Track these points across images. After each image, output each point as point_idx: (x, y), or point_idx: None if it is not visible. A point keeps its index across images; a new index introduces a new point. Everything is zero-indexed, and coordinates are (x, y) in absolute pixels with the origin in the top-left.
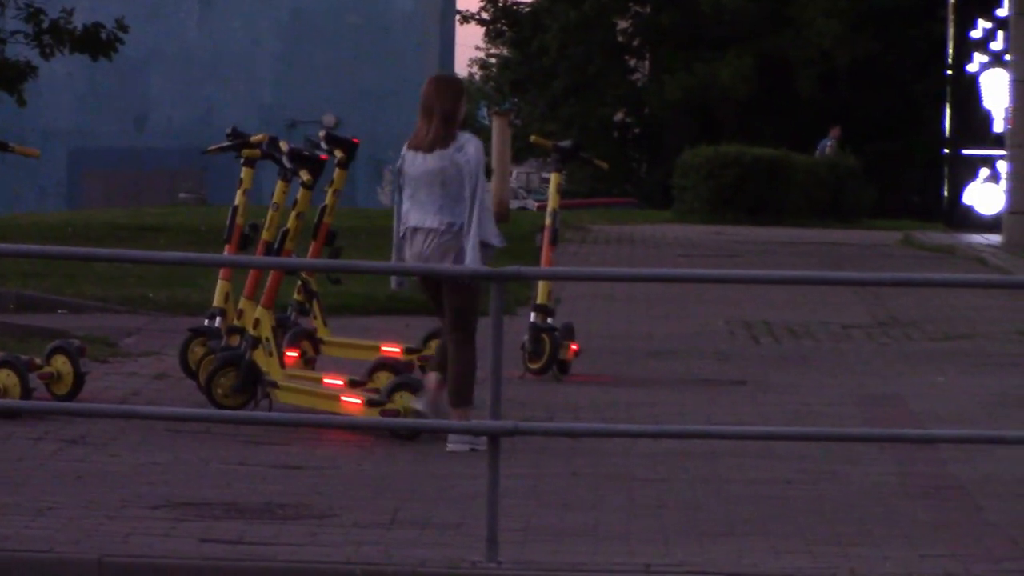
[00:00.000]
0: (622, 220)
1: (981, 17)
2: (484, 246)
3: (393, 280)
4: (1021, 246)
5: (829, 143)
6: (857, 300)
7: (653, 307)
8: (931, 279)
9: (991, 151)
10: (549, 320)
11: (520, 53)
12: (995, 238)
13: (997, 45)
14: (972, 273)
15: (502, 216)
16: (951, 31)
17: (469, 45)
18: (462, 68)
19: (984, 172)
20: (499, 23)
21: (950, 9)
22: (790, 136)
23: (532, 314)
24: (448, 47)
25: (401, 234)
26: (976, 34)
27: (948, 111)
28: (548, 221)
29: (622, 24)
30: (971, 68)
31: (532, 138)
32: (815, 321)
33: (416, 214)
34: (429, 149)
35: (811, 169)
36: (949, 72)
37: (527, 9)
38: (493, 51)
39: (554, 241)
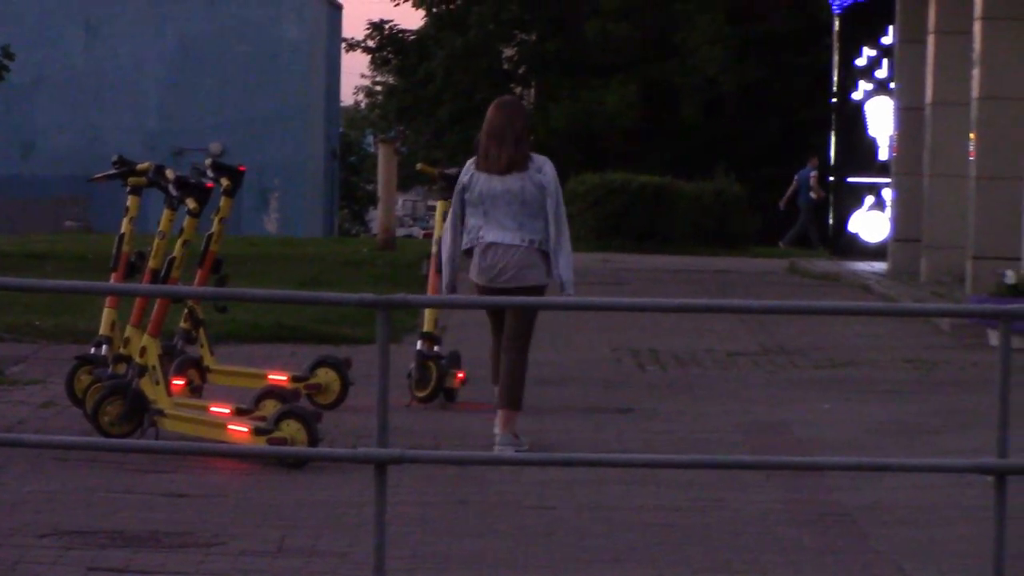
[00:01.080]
0: None
1: (866, 45)
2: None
3: (444, 286)
4: (906, 274)
5: (813, 173)
6: (743, 328)
7: (539, 335)
8: (816, 307)
9: (876, 179)
10: (436, 348)
11: (406, 81)
12: (880, 266)
13: (882, 73)
14: (857, 301)
15: (388, 244)
16: (836, 59)
17: (355, 73)
18: (348, 96)
19: (869, 200)
20: (385, 51)
21: (835, 37)
22: (676, 163)
23: (418, 342)
24: (334, 75)
25: (468, 246)
26: (861, 62)
27: (833, 139)
28: (434, 249)
29: (508, 52)
30: (856, 96)
31: (418, 166)
32: (701, 349)
33: (494, 231)
34: (506, 171)
35: (697, 196)
36: (834, 100)
37: (412, 37)
38: (379, 79)
39: (440, 269)
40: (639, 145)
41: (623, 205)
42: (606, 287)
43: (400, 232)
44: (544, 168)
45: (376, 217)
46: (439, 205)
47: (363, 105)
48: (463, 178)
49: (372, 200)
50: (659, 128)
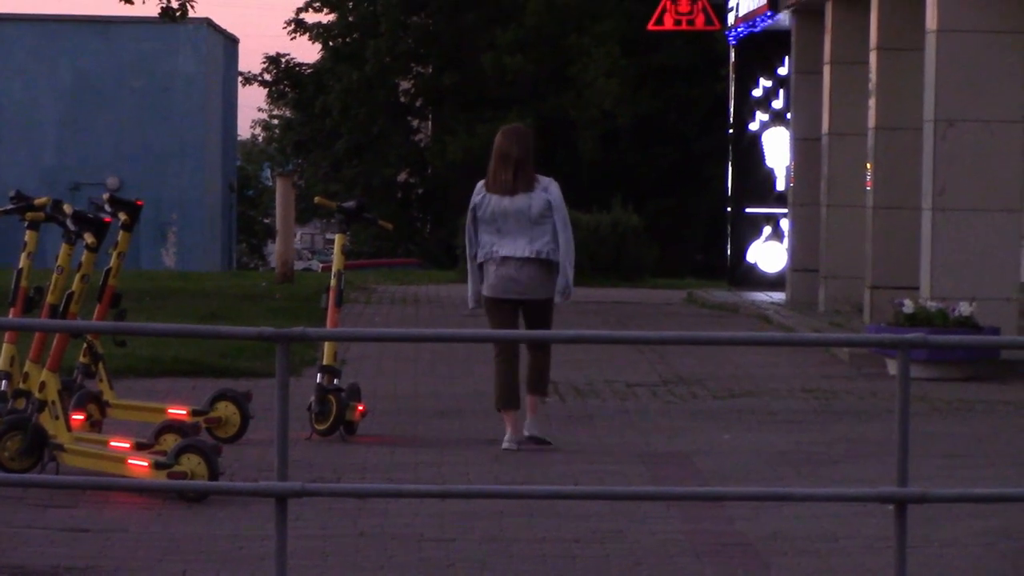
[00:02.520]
0: (407, 280)
1: (763, 76)
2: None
3: (471, 302)
4: (804, 303)
5: None
6: (642, 359)
7: (439, 367)
8: (715, 337)
9: (774, 209)
10: (335, 381)
11: (303, 114)
12: (779, 296)
13: (779, 103)
14: (756, 331)
15: (287, 277)
16: (733, 89)
17: (252, 106)
18: (245, 130)
19: (767, 230)
20: (281, 84)
21: (732, 68)
22: (573, 196)
23: (318, 375)
24: (231, 108)
25: (482, 260)
26: (758, 93)
27: (730, 169)
28: (333, 282)
29: (404, 85)
30: (753, 126)
31: (316, 199)
32: (600, 380)
33: (508, 245)
34: (513, 192)
35: (594, 228)
36: (731, 131)
37: (309, 70)
38: (276, 112)
39: (339, 302)
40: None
41: None
42: None
43: (298, 265)
44: (550, 188)
45: (274, 251)
46: (337, 238)
47: (260, 139)
48: (475, 199)
49: (270, 234)
50: (555, 161)
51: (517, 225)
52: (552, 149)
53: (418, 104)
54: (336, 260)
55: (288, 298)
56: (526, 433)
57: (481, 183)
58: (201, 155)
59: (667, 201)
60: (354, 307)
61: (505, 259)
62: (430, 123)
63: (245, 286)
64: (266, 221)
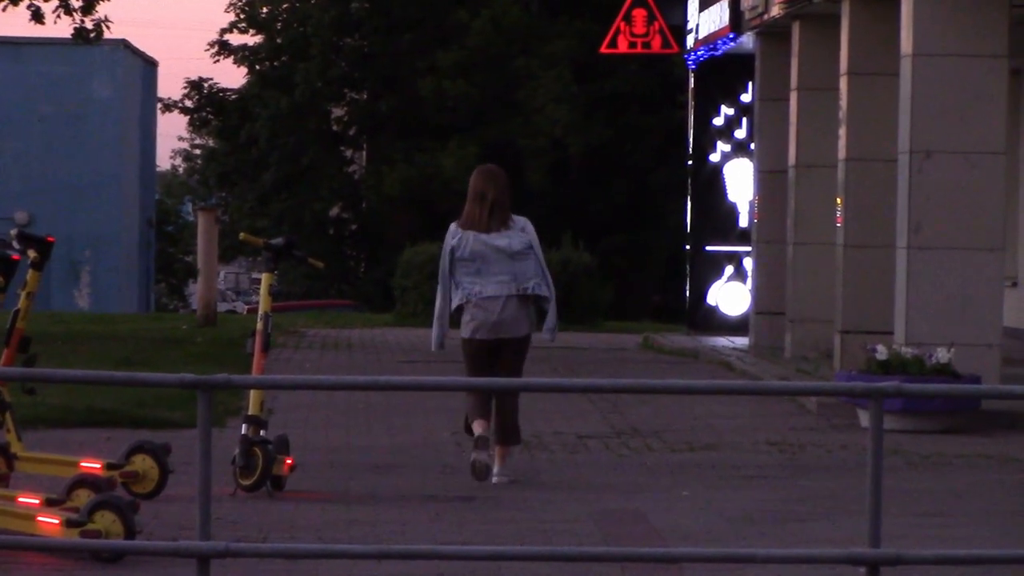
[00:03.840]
0: (340, 324)
1: (724, 103)
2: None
3: (434, 344)
4: (769, 349)
5: None
6: (593, 409)
7: (374, 418)
8: (673, 385)
9: (736, 247)
10: (262, 432)
11: (227, 144)
12: (742, 341)
13: (741, 133)
14: (717, 378)
15: (209, 320)
16: (692, 118)
17: (172, 135)
18: (164, 160)
19: (729, 270)
20: (204, 111)
21: (691, 94)
22: None
23: (243, 426)
24: (149, 137)
25: (460, 302)
26: (719, 121)
27: (690, 204)
28: (259, 325)
29: (337, 112)
30: (714, 158)
31: (241, 235)
32: (548, 432)
33: (489, 285)
34: (489, 230)
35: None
36: (690, 162)
37: (234, 96)
38: (198, 141)
39: (266, 347)
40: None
41: None
42: (444, 364)
43: (222, 307)
44: (526, 227)
45: (196, 291)
46: (264, 278)
47: (181, 170)
48: (451, 241)
49: (191, 273)
50: None
51: (497, 264)
52: None
53: (352, 132)
54: (263, 301)
55: (211, 343)
56: (494, 480)
57: (454, 225)
58: (117, 188)
59: (621, 238)
60: (282, 352)
61: (489, 299)
62: (365, 153)
63: (164, 329)
64: (187, 259)
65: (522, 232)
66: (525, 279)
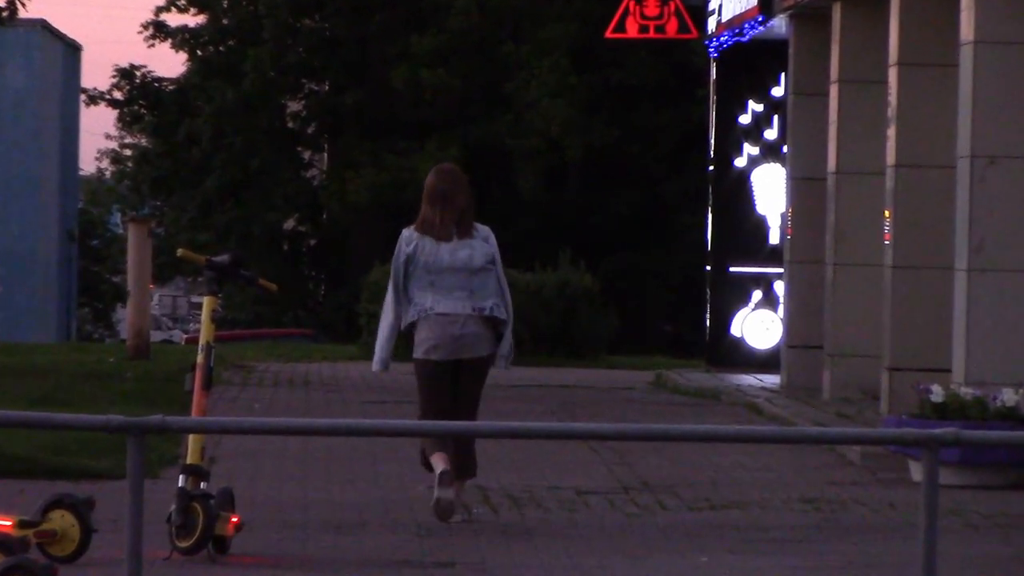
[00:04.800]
0: (296, 357)
1: (752, 98)
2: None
3: (376, 363)
4: (804, 389)
5: None
6: (596, 459)
7: (334, 468)
8: (690, 431)
9: (765, 268)
10: (202, 485)
11: (163, 143)
12: (771, 379)
13: (772, 133)
14: (742, 424)
15: (141, 352)
16: (713, 115)
17: (99, 133)
18: (89, 162)
19: (757, 295)
20: (136, 104)
21: (712, 87)
22: (510, 247)
23: (181, 477)
24: (71, 134)
25: (414, 319)
26: (745, 119)
27: (710, 217)
28: (200, 358)
29: (293, 106)
30: (739, 162)
31: (179, 252)
32: (542, 486)
33: (444, 300)
34: (449, 238)
35: (536, 290)
36: (711, 167)
37: (171, 87)
38: (129, 140)
39: (208, 384)
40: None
41: None
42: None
43: (156, 337)
44: (490, 238)
45: (126, 317)
46: (206, 302)
47: (109, 174)
48: (406, 248)
49: (120, 296)
50: (487, 203)
51: (454, 278)
52: (483, 187)
53: (311, 131)
54: (204, 330)
55: (143, 378)
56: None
57: (409, 230)
58: (34, 194)
59: (628, 257)
60: (228, 390)
61: (443, 316)
62: (326, 155)
63: (88, 362)
64: (115, 280)
65: (485, 243)
66: (483, 297)
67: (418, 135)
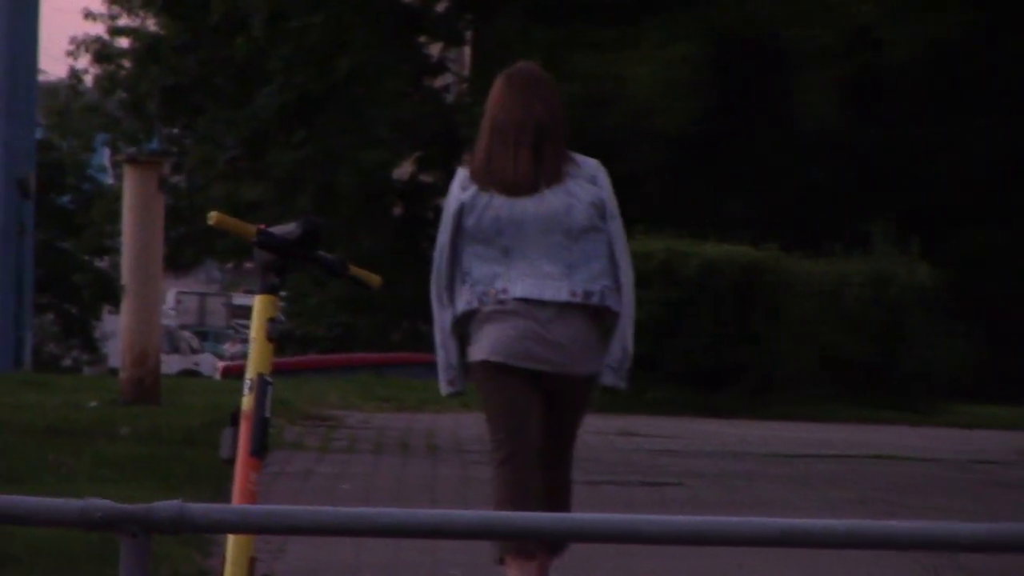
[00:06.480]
0: (413, 400)
1: None
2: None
3: (443, 382)
4: None
5: None
6: None
7: None
8: None
9: None
10: None
11: (185, 28)
12: None
13: None
14: None
15: (144, 390)
16: None
17: (72, 10)
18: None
19: None
20: None
21: None
22: (776, 216)
23: None
24: (26, 13)
25: (469, 308)
26: None
27: None
28: (248, 403)
29: None
30: None
31: (212, 216)
32: None
33: (527, 280)
34: (534, 187)
35: (835, 285)
36: None
37: None
38: (126, 23)
39: (262, 448)
40: (700, 168)
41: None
42: (629, 491)
43: (171, 364)
44: (598, 177)
45: (117, 331)
46: (258, 304)
47: (89, 81)
48: (460, 196)
49: (108, 293)
50: (741, 136)
51: (544, 243)
52: (737, 111)
53: (442, 8)
54: (256, 354)
55: (147, 438)
56: None
57: (464, 172)
58: None
59: (994, 235)
60: (296, 458)
61: (524, 304)
62: (468, 52)
63: (55, 409)
64: (99, 265)
65: (591, 186)
66: (589, 276)
67: (629, 18)
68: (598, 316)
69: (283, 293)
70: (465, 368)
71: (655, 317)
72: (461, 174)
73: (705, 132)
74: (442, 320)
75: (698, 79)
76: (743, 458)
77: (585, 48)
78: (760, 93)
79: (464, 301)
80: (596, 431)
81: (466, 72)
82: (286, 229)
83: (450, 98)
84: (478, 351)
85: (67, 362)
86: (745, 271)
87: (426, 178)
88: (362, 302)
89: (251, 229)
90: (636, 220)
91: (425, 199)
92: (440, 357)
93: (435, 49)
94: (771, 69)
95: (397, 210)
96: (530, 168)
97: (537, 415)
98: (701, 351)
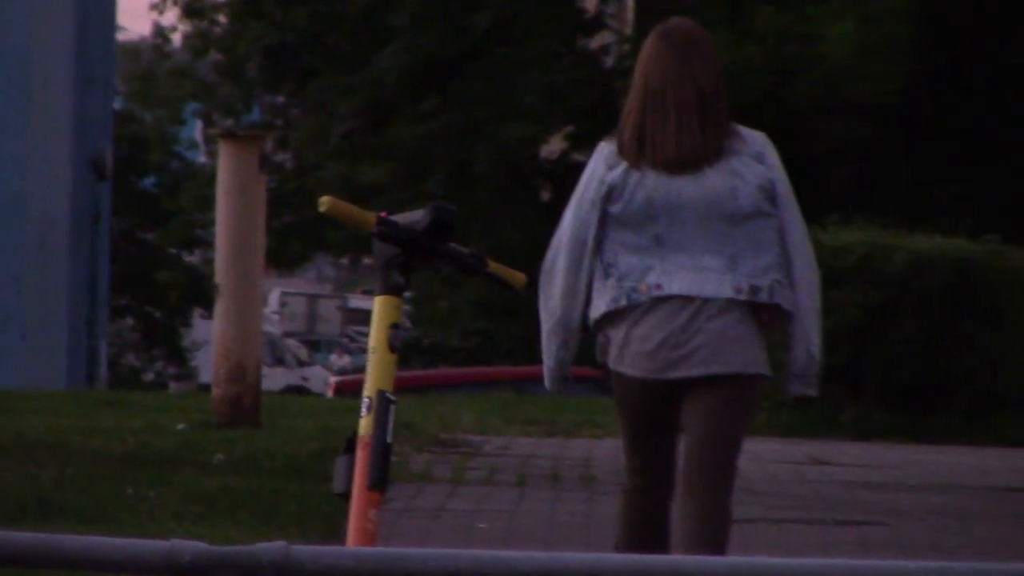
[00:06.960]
0: (561, 424)
1: None
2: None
3: (548, 374)
4: None
5: None
6: None
7: None
8: None
9: None
10: None
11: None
12: None
13: None
14: None
15: (243, 409)
16: None
17: None
18: (138, 20)
19: None
20: None
21: None
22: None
23: None
24: None
25: (614, 306)
26: None
27: None
28: (366, 425)
29: None
30: None
31: (325, 202)
32: None
33: (682, 273)
34: (695, 164)
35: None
36: None
37: None
38: None
39: (382, 479)
40: (909, 145)
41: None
42: (821, 531)
43: (274, 379)
44: (765, 154)
45: (210, 338)
46: (378, 305)
47: (175, 41)
48: (606, 175)
49: (199, 294)
50: (958, 106)
51: (702, 231)
52: (960, 88)
53: None
54: (376, 368)
55: (245, 466)
56: None
57: (610, 145)
58: (24, 87)
59: None
60: (425, 491)
61: (675, 300)
62: (631, 4)
63: (135, 432)
64: (188, 259)
65: (757, 164)
66: (756, 269)
67: None
68: (763, 315)
69: (408, 294)
70: (567, 370)
71: (851, 323)
72: (605, 149)
73: (915, 101)
74: (566, 310)
75: (907, 37)
76: (957, 492)
77: (772, 0)
78: (980, 53)
79: (610, 298)
80: (781, 459)
81: (628, 31)
82: (412, 217)
83: (609, 61)
84: (612, 358)
85: (149, 377)
86: (960, 268)
87: (579, 157)
88: (503, 305)
89: (370, 217)
90: (829, 207)
91: (575, 182)
92: (550, 348)
93: (591, 2)
94: (995, 22)
95: (545, 195)
96: (695, 140)
97: (670, 426)
98: (907, 363)
